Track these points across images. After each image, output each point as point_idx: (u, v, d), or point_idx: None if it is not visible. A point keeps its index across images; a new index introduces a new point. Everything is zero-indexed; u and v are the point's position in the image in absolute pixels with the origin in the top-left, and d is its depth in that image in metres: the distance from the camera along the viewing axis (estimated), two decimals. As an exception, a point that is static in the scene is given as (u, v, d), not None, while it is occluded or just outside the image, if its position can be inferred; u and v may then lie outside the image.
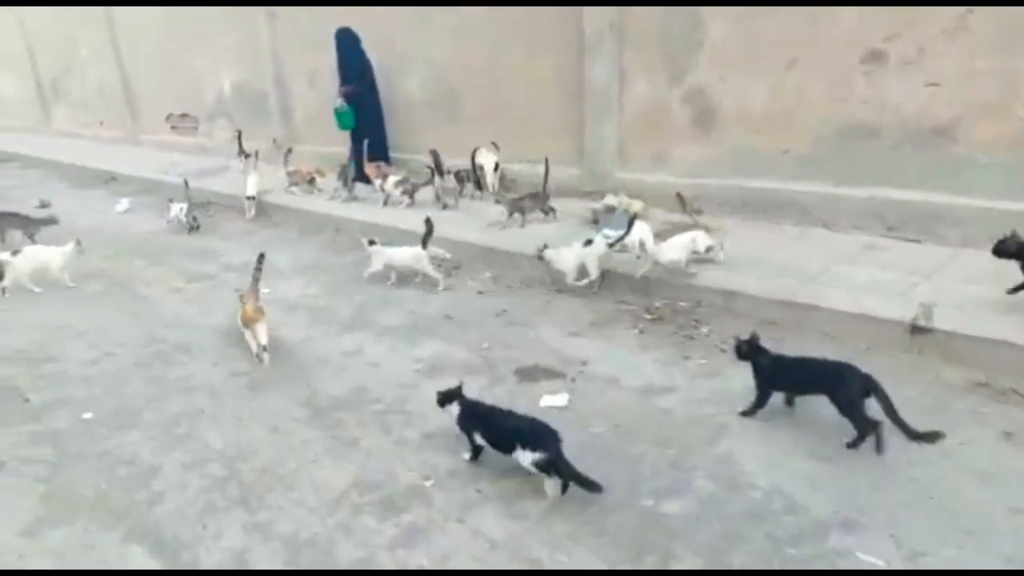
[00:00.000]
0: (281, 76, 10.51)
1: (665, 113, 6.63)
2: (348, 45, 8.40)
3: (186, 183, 8.08)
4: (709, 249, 5.05)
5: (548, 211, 6.54)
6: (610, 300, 5.05)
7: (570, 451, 2.87)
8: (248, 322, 4.33)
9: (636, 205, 6.16)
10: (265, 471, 3.19)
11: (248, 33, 10.60)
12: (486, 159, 7.67)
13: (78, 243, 5.96)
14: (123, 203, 9.05)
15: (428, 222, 5.50)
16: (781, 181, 5.91)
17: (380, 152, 8.66)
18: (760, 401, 3.37)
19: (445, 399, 3.23)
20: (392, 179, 7.60)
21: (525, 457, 2.87)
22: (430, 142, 8.44)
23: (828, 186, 5.67)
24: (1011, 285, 3.95)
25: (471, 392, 3.31)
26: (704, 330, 4.43)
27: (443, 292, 5.46)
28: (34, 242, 6.95)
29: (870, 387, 3.04)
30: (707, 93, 6.31)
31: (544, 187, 6.53)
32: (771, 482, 2.90)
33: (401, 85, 8.85)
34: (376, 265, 5.67)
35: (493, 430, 3.07)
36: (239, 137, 9.73)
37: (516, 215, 6.54)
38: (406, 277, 5.68)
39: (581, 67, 7.00)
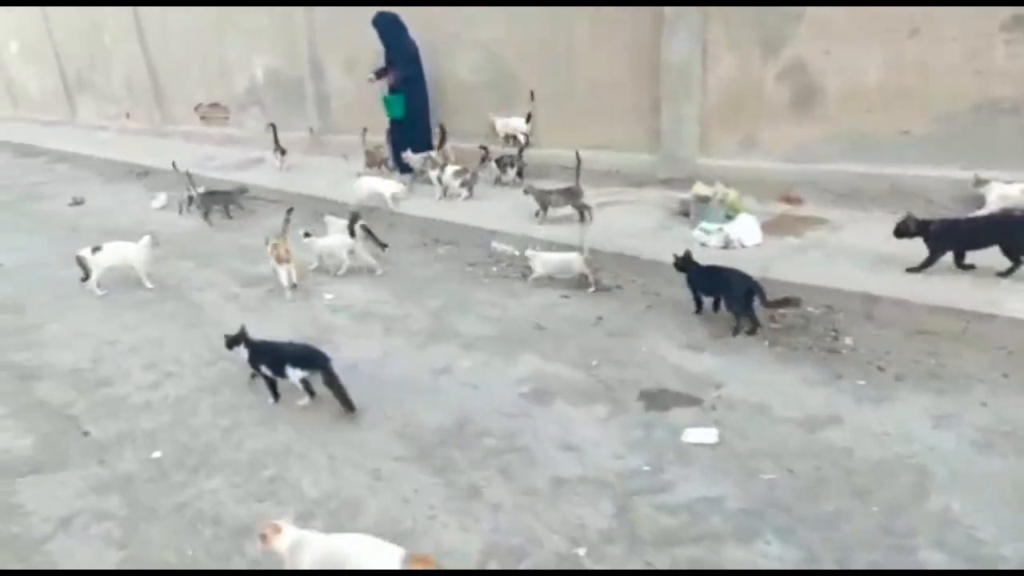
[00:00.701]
0: (317, 62, 9.96)
1: (756, 92, 6.01)
2: (391, 29, 7.83)
3: (188, 174, 7.69)
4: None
5: (582, 209, 5.90)
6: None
7: (740, 504, 2.34)
8: (281, 261, 5.16)
9: (732, 194, 5.56)
10: (379, 532, 2.67)
11: (282, 17, 10.05)
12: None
13: (152, 237, 5.54)
14: (160, 198, 8.58)
15: (354, 216, 5.59)
16: (900, 166, 5.29)
17: (424, 142, 8.12)
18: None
19: (232, 343, 3.64)
20: (451, 169, 7.04)
21: (294, 374, 3.47)
22: (480, 129, 7.91)
23: (956, 170, 5.04)
24: None
25: (593, 427, 2.86)
26: (847, 341, 3.85)
27: (524, 295, 4.93)
28: (230, 217, 7.50)
29: None
30: (808, 68, 5.69)
31: (576, 182, 5.97)
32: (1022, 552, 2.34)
33: (449, 68, 8.27)
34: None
35: (270, 357, 3.55)
36: (274, 131, 9.20)
37: (540, 208, 6.05)
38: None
39: (657, 42, 6.40)
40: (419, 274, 5.58)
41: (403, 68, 7.81)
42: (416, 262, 5.84)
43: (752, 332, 4.03)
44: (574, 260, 4.92)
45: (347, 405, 3.45)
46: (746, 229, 4.98)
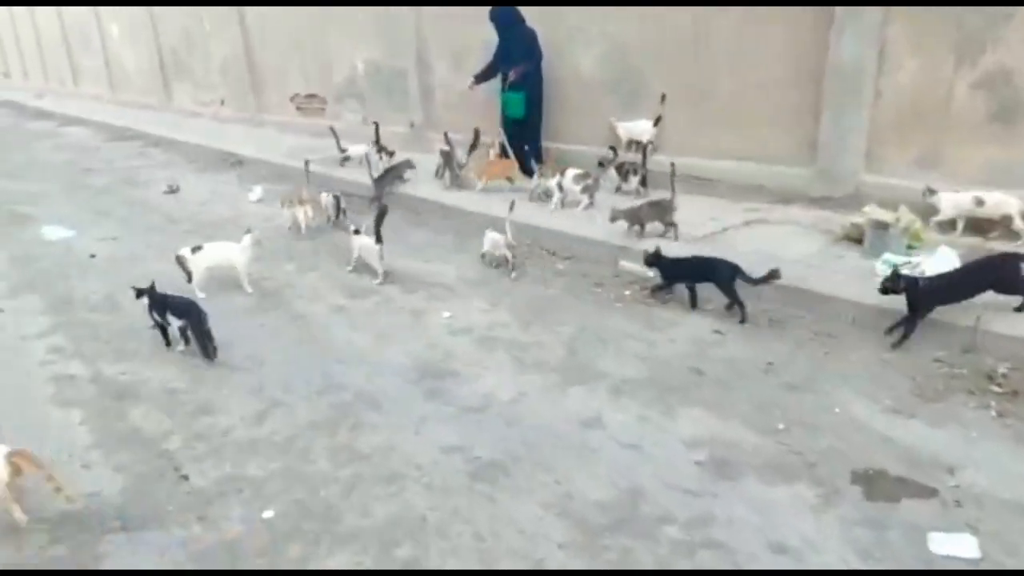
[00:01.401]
0: (423, 55, 9.44)
1: (944, 102, 5.16)
2: (510, 22, 7.25)
3: (306, 163, 7.18)
4: None
5: (669, 225, 5.39)
6: (919, 355, 3.70)
7: None
8: (301, 204, 6.18)
9: (916, 223, 4.74)
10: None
11: (388, 8, 9.58)
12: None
13: (251, 233, 5.09)
14: (256, 191, 8.20)
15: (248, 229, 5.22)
16: None
17: (531, 142, 7.51)
18: None
19: (140, 294, 4.10)
20: (571, 173, 6.39)
21: (174, 322, 4.02)
22: (598, 132, 7.23)
23: None
24: None
25: (804, 519, 2.45)
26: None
27: (668, 327, 4.26)
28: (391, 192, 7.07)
29: None
30: (1015, 79, 4.81)
31: (672, 195, 5.44)
32: None
33: (569, 64, 7.61)
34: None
35: (159, 308, 4.05)
36: (376, 130, 8.69)
37: (635, 227, 5.42)
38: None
39: (823, 42, 5.60)
40: (540, 292, 4.96)
41: (525, 63, 7.20)
42: (534, 278, 5.21)
43: (744, 320, 4.23)
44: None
45: (205, 353, 3.98)
46: (944, 265, 4.16)
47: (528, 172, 7.07)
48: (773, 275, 4.13)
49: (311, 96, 11.91)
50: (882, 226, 4.72)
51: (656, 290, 4.66)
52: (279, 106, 12.69)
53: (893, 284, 3.77)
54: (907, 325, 3.80)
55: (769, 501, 2.69)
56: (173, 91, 16.36)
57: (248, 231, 5.10)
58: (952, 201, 4.84)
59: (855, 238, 4.97)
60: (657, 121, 6.81)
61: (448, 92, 9.23)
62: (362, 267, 5.37)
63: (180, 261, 4.89)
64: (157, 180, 9.20)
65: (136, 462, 3.11)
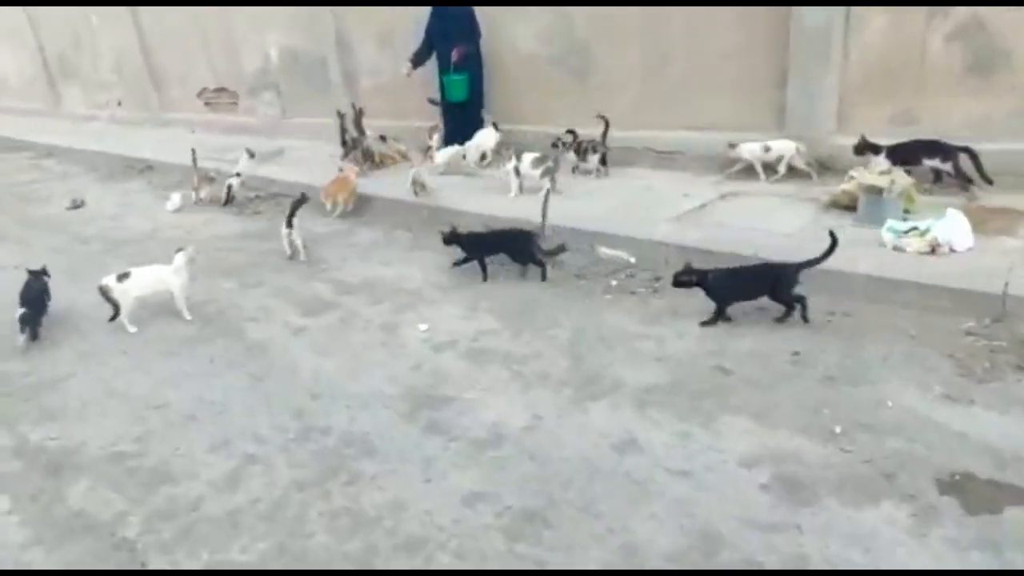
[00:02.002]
0: (344, 38, 8.73)
1: (918, 57, 4.97)
2: None
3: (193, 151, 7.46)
4: None
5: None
6: (947, 328, 3.45)
7: None
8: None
9: (905, 180, 4.52)
10: None
11: (302, -14, 8.82)
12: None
13: (184, 250, 4.41)
14: (174, 199, 7.37)
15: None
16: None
17: (474, 127, 7.06)
18: None
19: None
20: (529, 157, 5.92)
21: (18, 312, 4.11)
22: (544, 110, 6.79)
23: None
24: None
25: (910, 548, 2.17)
26: None
27: (672, 319, 3.89)
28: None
29: None
30: (989, 28, 4.63)
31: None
32: None
33: (506, 40, 7.12)
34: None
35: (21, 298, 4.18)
36: (358, 114, 7.67)
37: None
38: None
39: (783, 4, 5.29)
40: (519, 291, 4.51)
41: (466, 43, 6.67)
42: (506, 274, 4.75)
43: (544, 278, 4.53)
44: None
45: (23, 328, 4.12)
46: (956, 229, 3.93)
47: None
48: (561, 248, 4.56)
49: (220, 90, 11.00)
50: (876, 191, 4.47)
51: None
52: (184, 103, 11.72)
53: (687, 277, 3.76)
54: (715, 313, 3.79)
55: (861, 528, 2.33)
56: (61, 94, 14.94)
57: (180, 249, 4.42)
58: (748, 150, 5.52)
59: (845, 205, 4.71)
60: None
61: (376, 77, 8.58)
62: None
63: (105, 292, 4.19)
64: (57, 195, 8.27)
65: (87, 557, 2.49)
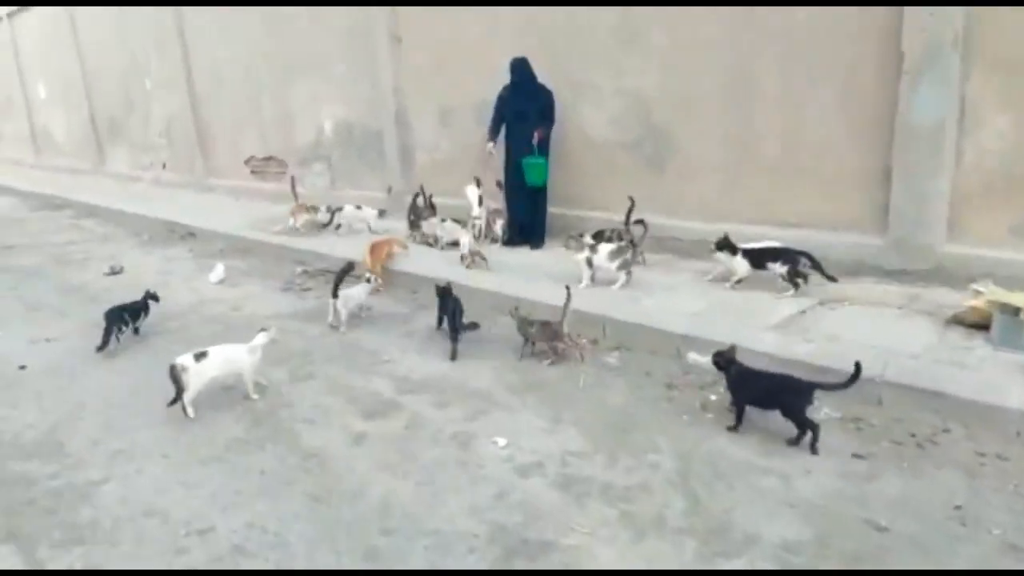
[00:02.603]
0: (402, 113, 8.55)
1: (1047, 164, 4.52)
2: (530, 76, 6.50)
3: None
4: None
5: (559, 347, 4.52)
6: None
7: None
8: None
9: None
10: None
11: (363, 62, 8.70)
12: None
13: (266, 331, 4.18)
14: (218, 270, 7.05)
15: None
16: None
17: (544, 215, 6.87)
18: None
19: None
20: (606, 248, 5.51)
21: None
22: (609, 197, 6.43)
23: None
24: None
25: None
26: None
27: (791, 452, 3.34)
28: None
29: None
30: None
31: (563, 317, 4.52)
32: None
33: (578, 123, 6.84)
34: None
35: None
36: (425, 198, 7.53)
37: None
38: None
39: (892, 97, 4.97)
40: (604, 400, 4.02)
41: (547, 125, 6.43)
42: (588, 378, 4.27)
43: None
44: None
45: None
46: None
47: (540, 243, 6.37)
48: (475, 325, 4.69)
49: (268, 159, 10.85)
50: (1012, 311, 3.97)
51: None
52: (230, 169, 11.58)
53: (721, 360, 3.66)
54: (736, 417, 3.58)
55: None
56: (107, 154, 15.02)
57: (263, 329, 4.15)
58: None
59: (971, 323, 4.21)
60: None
61: (432, 153, 8.35)
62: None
63: (176, 374, 3.78)
64: (96, 258, 7.99)
65: None
